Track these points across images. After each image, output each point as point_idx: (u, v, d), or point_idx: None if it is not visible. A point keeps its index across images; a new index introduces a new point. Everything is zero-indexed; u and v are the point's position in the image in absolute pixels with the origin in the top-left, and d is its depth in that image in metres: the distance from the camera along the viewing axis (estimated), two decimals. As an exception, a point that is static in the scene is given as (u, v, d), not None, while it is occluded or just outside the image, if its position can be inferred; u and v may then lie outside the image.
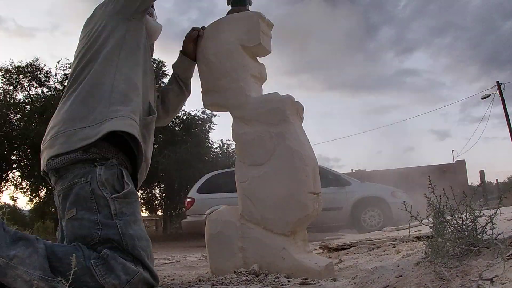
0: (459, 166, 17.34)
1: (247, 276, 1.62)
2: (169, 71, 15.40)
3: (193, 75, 1.97)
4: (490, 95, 17.47)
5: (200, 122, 15.12)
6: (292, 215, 1.65)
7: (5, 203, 15.69)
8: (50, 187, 14.93)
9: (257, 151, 1.74)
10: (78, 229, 1.35)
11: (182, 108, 16.76)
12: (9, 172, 14.60)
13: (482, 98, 17.83)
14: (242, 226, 1.78)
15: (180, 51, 1.92)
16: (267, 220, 1.71)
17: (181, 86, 1.94)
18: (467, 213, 1.41)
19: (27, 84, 14.17)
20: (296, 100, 1.81)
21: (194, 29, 1.91)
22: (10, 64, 13.96)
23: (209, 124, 15.20)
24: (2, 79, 13.88)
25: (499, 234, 1.33)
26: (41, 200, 15.94)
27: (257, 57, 1.96)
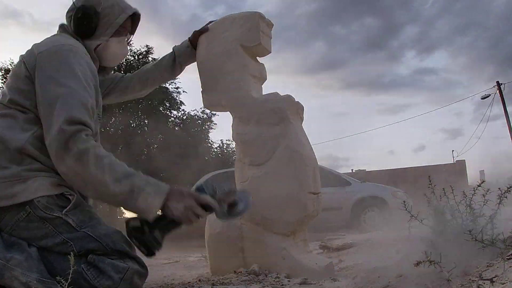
0: (459, 166, 17.32)
1: (247, 276, 1.62)
2: (169, 71, 15.37)
3: (188, 65, 1.94)
4: (490, 95, 17.48)
5: (200, 122, 15.13)
6: (292, 215, 1.65)
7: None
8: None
9: (257, 151, 1.74)
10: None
11: (182, 108, 16.60)
12: (9, 172, 14.60)
13: (482, 98, 17.83)
14: (242, 226, 1.78)
15: (189, 39, 1.89)
16: (267, 220, 1.71)
17: (174, 67, 1.88)
18: (467, 213, 1.41)
19: (27, 84, 14.16)
20: (296, 100, 1.81)
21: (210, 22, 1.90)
22: (10, 64, 13.98)
23: (208, 123, 15.21)
24: (2, 79, 13.88)
25: (499, 234, 1.33)
26: (41, 200, 15.91)
27: (257, 57, 1.96)
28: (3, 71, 13.99)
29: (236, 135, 1.82)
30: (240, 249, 1.76)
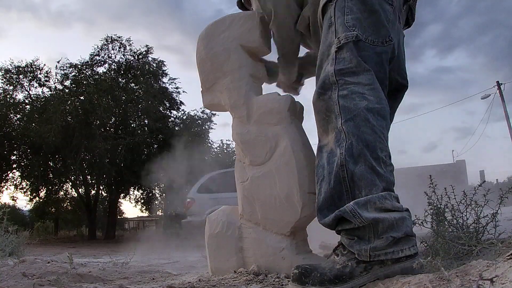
0: (459, 166, 17.32)
1: (247, 276, 1.62)
2: (169, 71, 15.44)
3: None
4: (490, 95, 17.49)
5: (200, 122, 15.13)
6: (291, 216, 1.65)
7: (5, 203, 15.71)
8: (50, 187, 14.94)
9: (257, 151, 1.74)
10: None
11: (182, 108, 16.61)
12: (9, 172, 14.62)
13: (482, 98, 17.84)
14: (242, 226, 1.78)
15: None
16: (267, 220, 1.71)
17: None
18: (468, 213, 1.41)
19: (27, 84, 14.18)
20: (296, 100, 1.80)
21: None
22: (10, 64, 13.99)
23: (208, 123, 15.22)
24: (2, 79, 13.89)
25: (499, 234, 1.33)
26: (41, 200, 15.94)
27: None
28: (3, 71, 13.98)
29: (236, 135, 1.82)
30: (240, 249, 1.76)
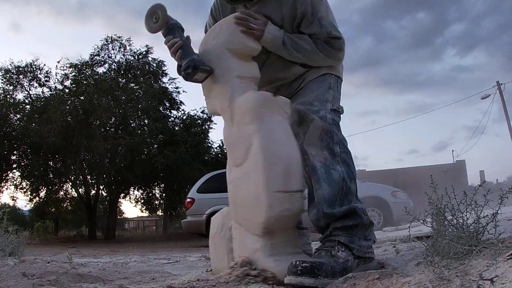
0: (459, 166, 17.34)
1: (238, 271, 1.59)
2: (169, 70, 15.44)
3: None
4: (490, 95, 17.49)
5: (200, 122, 15.13)
6: (260, 216, 1.60)
7: (5, 203, 15.71)
8: (50, 187, 14.95)
9: (236, 153, 1.74)
10: None
11: (182, 108, 16.51)
12: (9, 172, 14.61)
13: (482, 98, 17.84)
14: (231, 227, 1.78)
15: None
16: (244, 221, 1.70)
17: None
18: (468, 213, 1.41)
19: (27, 84, 14.18)
20: (276, 96, 1.77)
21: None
22: (10, 64, 13.99)
23: (208, 123, 15.21)
24: (2, 79, 13.89)
25: (500, 234, 1.33)
26: (41, 200, 15.94)
27: (252, 56, 1.90)
28: (3, 71, 13.98)
29: (224, 138, 1.85)
30: (230, 250, 1.76)
